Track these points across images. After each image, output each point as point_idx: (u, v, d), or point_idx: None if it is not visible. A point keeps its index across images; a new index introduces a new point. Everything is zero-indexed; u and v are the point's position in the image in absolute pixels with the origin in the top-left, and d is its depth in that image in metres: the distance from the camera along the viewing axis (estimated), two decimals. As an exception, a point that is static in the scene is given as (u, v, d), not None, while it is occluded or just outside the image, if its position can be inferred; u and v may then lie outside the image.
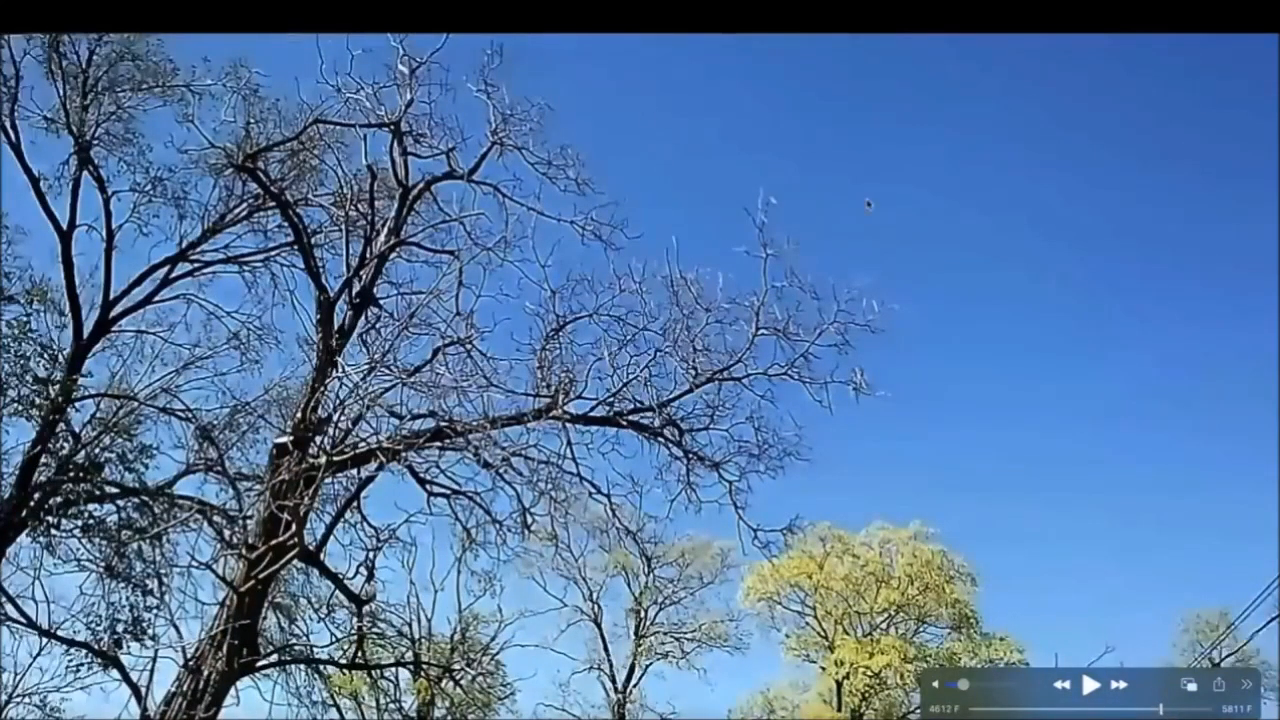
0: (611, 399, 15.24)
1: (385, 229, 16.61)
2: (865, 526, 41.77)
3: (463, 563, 20.50)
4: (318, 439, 14.59)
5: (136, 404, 20.22)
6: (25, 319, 18.98)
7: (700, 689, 40.32)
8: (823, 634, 39.89)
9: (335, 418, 14.58)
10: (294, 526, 12.99)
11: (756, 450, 16.02)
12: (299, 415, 14.73)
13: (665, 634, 38.92)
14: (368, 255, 16.32)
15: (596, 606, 39.31)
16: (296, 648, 19.48)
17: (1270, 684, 40.54)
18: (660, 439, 16.03)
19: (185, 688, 13.59)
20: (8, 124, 18.83)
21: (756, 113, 63.70)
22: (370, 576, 16.12)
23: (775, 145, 61.67)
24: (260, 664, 14.95)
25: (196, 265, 21.65)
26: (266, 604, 15.25)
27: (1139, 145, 63.09)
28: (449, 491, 16.34)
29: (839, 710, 37.65)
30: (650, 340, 15.83)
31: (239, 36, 18.69)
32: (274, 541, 13.39)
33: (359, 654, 16.86)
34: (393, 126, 16.72)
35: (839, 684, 37.92)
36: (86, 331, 19.96)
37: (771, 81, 62.62)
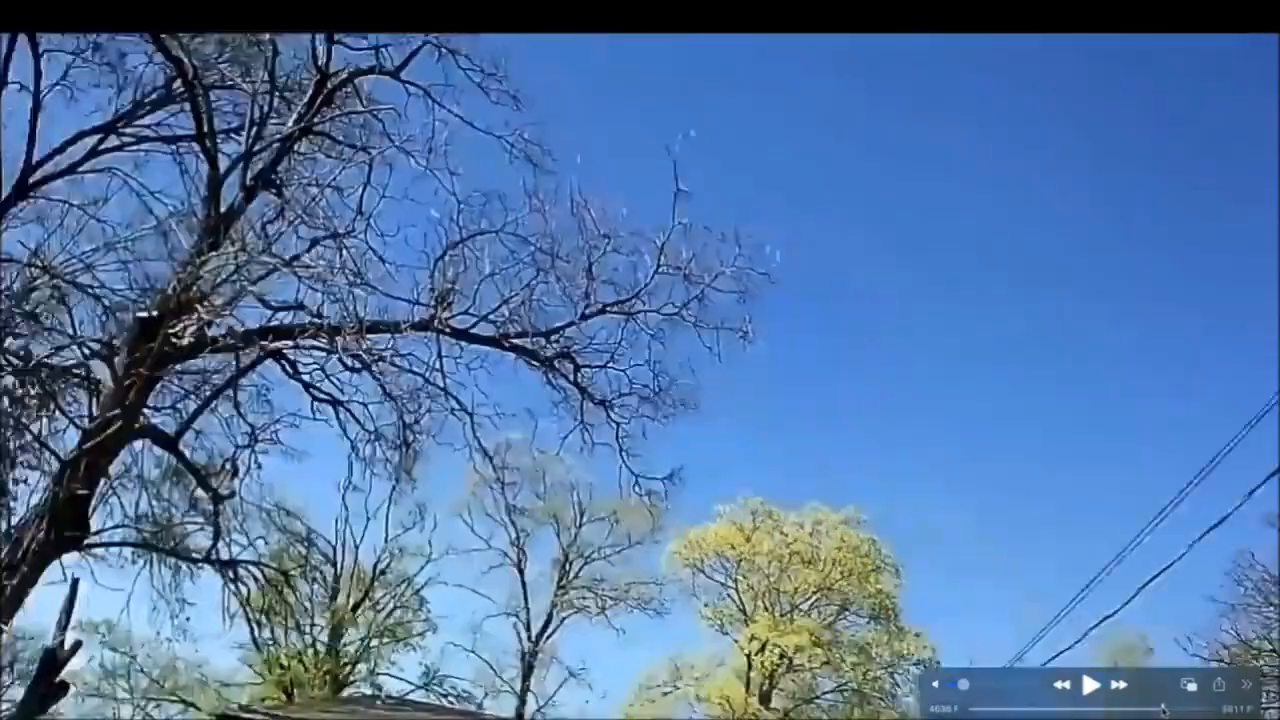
0: (495, 317, 14.60)
1: (295, 115, 15.85)
2: (802, 505, 41.18)
3: (352, 480, 19.61)
4: (185, 318, 13.88)
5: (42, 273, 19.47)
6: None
7: (616, 648, 39.75)
8: (742, 608, 39.38)
9: (208, 296, 13.90)
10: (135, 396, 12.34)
11: (652, 393, 15.55)
12: (170, 289, 14.01)
13: (587, 589, 38.32)
14: (266, 136, 15.51)
15: (521, 553, 38.65)
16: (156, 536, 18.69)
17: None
18: (551, 369, 15.47)
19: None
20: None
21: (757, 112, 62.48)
22: (235, 473, 15.56)
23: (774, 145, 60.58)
24: (89, 543, 14.34)
25: (128, 140, 20.95)
26: (105, 481, 14.59)
27: (1139, 145, 62.01)
28: (331, 400, 15.87)
29: (748, 689, 37.14)
30: (553, 266, 15.26)
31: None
32: (110, 413, 12.73)
33: (213, 550, 16.23)
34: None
35: (749, 659, 37.41)
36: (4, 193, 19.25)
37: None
